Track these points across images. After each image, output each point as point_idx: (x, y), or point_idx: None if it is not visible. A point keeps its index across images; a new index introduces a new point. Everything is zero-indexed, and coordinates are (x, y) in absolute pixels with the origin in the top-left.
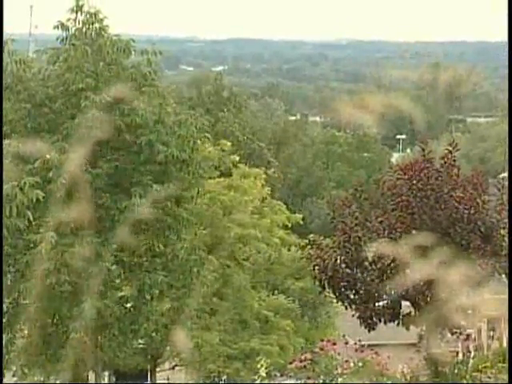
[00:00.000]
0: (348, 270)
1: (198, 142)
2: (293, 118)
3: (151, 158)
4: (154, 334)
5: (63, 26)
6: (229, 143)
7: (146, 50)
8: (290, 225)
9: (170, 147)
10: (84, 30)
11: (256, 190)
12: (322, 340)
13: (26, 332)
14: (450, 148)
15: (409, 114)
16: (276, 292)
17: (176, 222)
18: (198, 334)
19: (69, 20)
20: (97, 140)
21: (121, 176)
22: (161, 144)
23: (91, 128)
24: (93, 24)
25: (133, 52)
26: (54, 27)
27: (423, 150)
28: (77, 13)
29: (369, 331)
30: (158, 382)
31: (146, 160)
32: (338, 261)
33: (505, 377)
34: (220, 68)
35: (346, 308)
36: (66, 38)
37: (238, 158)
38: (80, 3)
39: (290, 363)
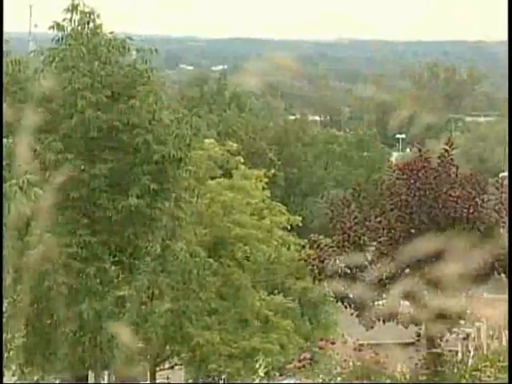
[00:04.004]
0: (347, 270)
1: (194, 141)
2: (292, 117)
3: (148, 157)
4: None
5: (59, 26)
6: (235, 144)
7: (142, 47)
8: (289, 227)
9: (167, 146)
10: (79, 29)
11: (257, 192)
12: (322, 339)
13: (25, 332)
14: (447, 147)
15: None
16: (276, 291)
17: (172, 222)
18: (199, 333)
19: (64, 20)
20: (93, 140)
21: (117, 176)
22: (157, 143)
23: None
24: (88, 23)
25: (130, 50)
26: (50, 28)
27: (419, 150)
28: (72, 12)
29: (367, 330)
30: (157, 381)
31: (142, 160)
32: (338, 260)
33: (504, 376)
34: (220, 67)
35: (346, 307)
36: (62, 38)
37: (242, 160)
38: (75, 3)
39: (290, 363)
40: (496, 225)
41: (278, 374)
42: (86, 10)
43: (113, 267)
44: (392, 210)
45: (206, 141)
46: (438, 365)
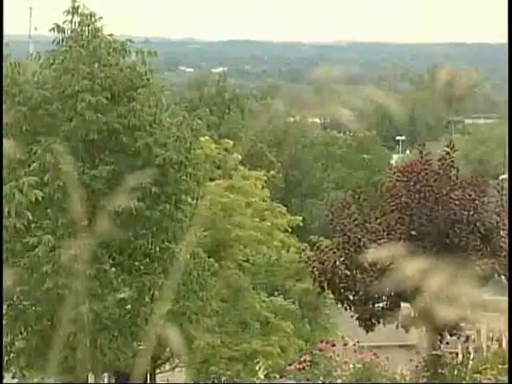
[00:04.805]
0: (347, 272)
1: (194, 143)
2: (292, 119)
3: (149, 160)
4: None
5: (59, 28)
6: (231, 142)
7: (141, 50)
8: (290, 229)
9: (168, 150)
10: (79, 31)
11: (257, 191)
12: (322, 341)
13: (25, 334)
14: (448, 149)
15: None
16: (276, 293)
17: (173, 224)
18: (200, 335)
19: (65, 22)
20: (94, 142)
21: (118, 178)
22: (158, 146)
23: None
24: (88, 25)
25: (130, 52)
26: (50, 30)
27: (421, 152)
28: (72, 15)
29: (367, 332)
30: (157, 383)
31: (143, 162)
32: (338, 262)
33: (504, 378)
34: (219, 69)
35: (346, 309)
36: (62, 41)
37: (240, 157)
38: (75, 5)
39: (290, 365)
40: (496, 227)
41: (278, 376)
42: (86, 12)
43: (113, 269)
44: (392, 211)
45: (202, 139)
46: (439, 367)
